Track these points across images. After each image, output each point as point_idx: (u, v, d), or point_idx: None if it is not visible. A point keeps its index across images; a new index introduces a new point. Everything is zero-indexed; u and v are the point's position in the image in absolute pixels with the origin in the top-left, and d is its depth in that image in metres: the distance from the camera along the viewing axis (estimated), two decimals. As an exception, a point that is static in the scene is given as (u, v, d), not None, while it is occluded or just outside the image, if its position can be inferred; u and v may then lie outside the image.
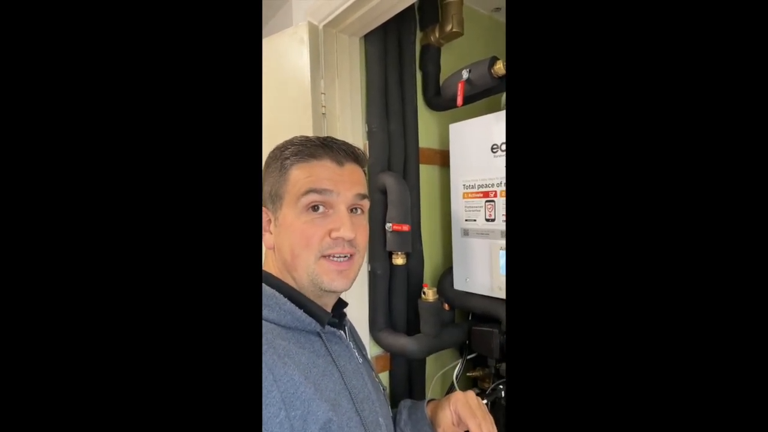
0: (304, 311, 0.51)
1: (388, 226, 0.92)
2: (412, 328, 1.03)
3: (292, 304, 0.50)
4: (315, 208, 0.51)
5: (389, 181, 0.94)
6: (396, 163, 1.01)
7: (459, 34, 1.04)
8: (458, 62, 0.99)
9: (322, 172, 0.52)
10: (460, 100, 0.89)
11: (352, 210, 0.54)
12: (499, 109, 0.91)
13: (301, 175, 0.52)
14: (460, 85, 0.89)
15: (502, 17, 1.30)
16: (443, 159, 1.13)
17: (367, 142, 0.99)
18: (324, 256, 0.51)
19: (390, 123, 1.00)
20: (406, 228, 0.91)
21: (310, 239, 0.50)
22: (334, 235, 0.51)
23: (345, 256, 0.52)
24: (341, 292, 0.55)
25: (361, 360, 0.59)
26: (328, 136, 0.56)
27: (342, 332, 0.57)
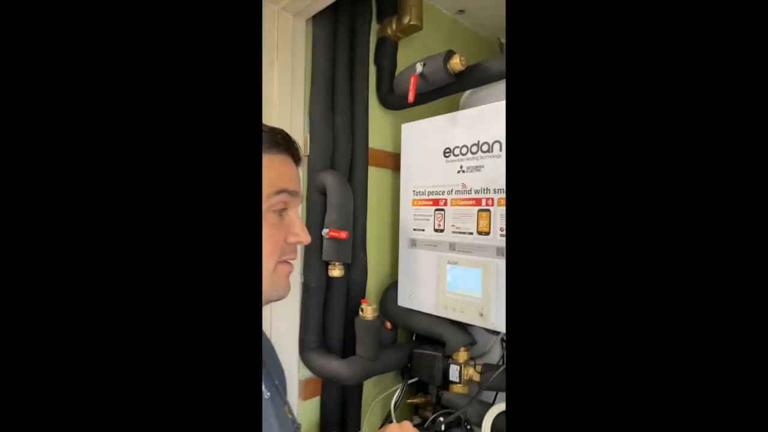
0: None
1: (325, 231, 0.80)
2: (349, 349, 0.91)
3: None
4: (277, 209, 0.47)
5: (330, 180, 0.83)
6: (341, 162, 0.90)
7: (417, 28, 0.96)
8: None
9: (289, 170, 0.48)
10: (411, 96, 0.80)
11: None
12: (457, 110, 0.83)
13: (267, 170, 0.44)
14: (412, 79, 0.80)
15: (465, 20, 1.25)
16: (396, 162, 1.04)
17: (308, 135, 0.88)
18: (280, 262, 0.48)
19: (336, 117, 0.89)
20: (343, 235, 0.80)
21: (275, 245, 0.46)
22: (292, 240, 0.48)
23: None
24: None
25: (268, 394, 0.50)
26: (275, 127, 0.48)
27: None
